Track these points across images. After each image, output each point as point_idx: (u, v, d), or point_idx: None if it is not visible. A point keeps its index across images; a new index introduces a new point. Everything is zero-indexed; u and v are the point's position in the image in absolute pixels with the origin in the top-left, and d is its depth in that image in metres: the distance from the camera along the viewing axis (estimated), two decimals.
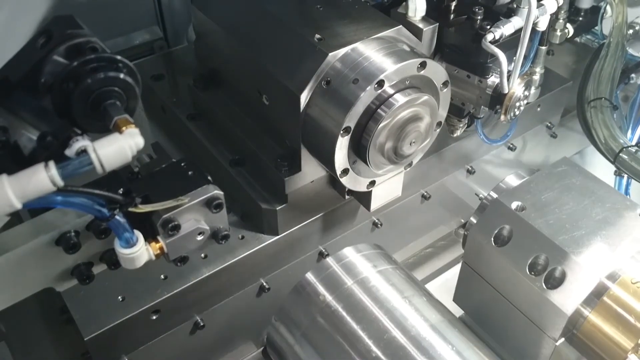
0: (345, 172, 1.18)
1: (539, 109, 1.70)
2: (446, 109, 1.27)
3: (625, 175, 1.50)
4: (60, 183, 0.70)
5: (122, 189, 0.84)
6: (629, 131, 1.62)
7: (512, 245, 1.03)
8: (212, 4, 1.39)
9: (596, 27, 1.79)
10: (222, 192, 0.93)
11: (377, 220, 1.52)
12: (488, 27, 1.26)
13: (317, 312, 1.01)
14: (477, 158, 1.67)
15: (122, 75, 0.82)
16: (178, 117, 1.48)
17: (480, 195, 1.34)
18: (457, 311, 1.18)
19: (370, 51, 1.14)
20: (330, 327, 0.98)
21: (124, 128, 0.77)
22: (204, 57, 1.47)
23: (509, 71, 1.27)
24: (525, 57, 1.37)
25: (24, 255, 0.84)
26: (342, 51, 1.14)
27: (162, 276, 1.22)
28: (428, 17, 1.30)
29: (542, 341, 1.01)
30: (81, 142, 0.74)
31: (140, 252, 0.85)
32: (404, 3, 1.28)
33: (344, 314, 0.99)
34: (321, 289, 1.03)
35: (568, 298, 0.95)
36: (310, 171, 1.26)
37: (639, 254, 0.99)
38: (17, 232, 0.86)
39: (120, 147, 0.74)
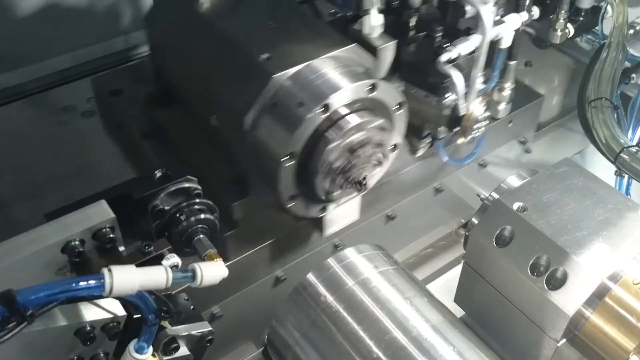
0: (292, 198, 1.14)
1: (510, 125, 1.65)
2: (402, 131, 1.23)
3: (626, 176, 1.50)
4: (168, 285, 0.81)
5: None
6: (630, 131, 1.62)
7: (514, 246, 1.02)
8: (163, 19, 1.35)
9: (597, 27, 1.79)
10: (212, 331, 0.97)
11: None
12: (446, 45, 1.21)
13: (318, 312, 1.01)
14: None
15: (213, 217, 1.03)
16: (132, 135, 1.42)
17: (482, 196, 1.34)
18: (458, 312, 1.18)
19: (318, 72, 1.09)
20: (331, 328, 0.98)
21: (215, 260, 0.96)
22: (158, 72, 1.41)
23: (467, 92, 1.22)
24: (487, 78, 1.34)
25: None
26: (288, 72, 1.09)
27: None
28: (387, 33, 1.24)
29: (543, 342, 1.01)
30: (175, 259, 0.93)
31: None
32: (359, 19, 1.23)
33: (345, 314, 0.98)
34: (322, 289, 1.03)
35: (569, 299, 0.95)
36: (261, 195, 1.20)
37: None
38: None
39: (216, 274, 0.89)
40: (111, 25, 1.80)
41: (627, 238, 0.99)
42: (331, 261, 1.06)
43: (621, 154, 1.44)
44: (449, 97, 1.24)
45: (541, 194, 1.07)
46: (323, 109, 1.05)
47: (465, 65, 1.26)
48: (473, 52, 1.24)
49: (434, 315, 0.98)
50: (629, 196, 1.52)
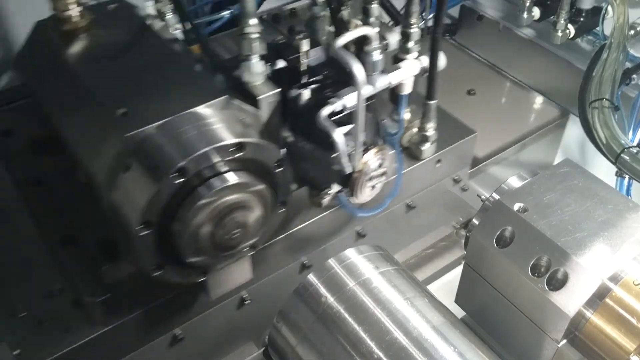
0: (159, 267, 1.01)
1: (438, 165, 1.51)
2: (288, 188, 1.13)
3: (627, 176, 1.50)
4: None
5: None
6: (630, 132, 1.62)
7: (514, 246, 1.02)
8: (31, 63, 1.26)
9: (597, 28, 1.79)
10: None
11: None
12: (329, 97, 1.10)
13: (319, 313, 1.01)
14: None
15: None
16: (17, 180, 1.31)
17: (482, 197, 1.33)
18: (459, 313, 1.18)
19: (179, 130, 0.98)
20: (332, 329, 0.98)
21: None
22: (39, 117, 1.28)
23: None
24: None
25: None
26: (144, 130, 0.98)
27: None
28: (278, 79, 1.14)
29: (544, 343, 1.01)
30: None
31: None
32: (240, 65, 1.12)
33: (346, 315, 0.98)
34: (323, 290, 1.02)
35: (570, 299, 0.95)
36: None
37: None
38: None
39: None
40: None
41: (628, 239, 0.99)
42: (332, 262, 1.05)
43: (622, 155, 1.44)
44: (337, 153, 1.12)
45: (542, 195, 1.07)
46: (177, 173, 0.93)
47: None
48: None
49: (435, 316, 0.98)
50: (629, 197, 1.53)
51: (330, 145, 1.11)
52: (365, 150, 1.15)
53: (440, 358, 0.91)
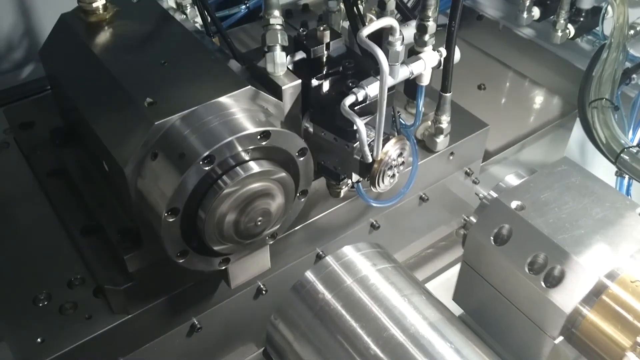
0: (184, 254, 1.04)
1: (451, 157, 1.54)
2: (309, 177, 1.14)
3: (627, 176, 1.50)
4: None
5: None
6: (630, 132, 1.62)
7: (512, 244, 1.03)
8: (56, 54, 1.28)
9: (597, 28, 1.80)
10: None
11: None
12: (352, 87, 1.11)
13: (316, 310, 1.01)
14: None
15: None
16: (38, 171, 1.34)
17: (480, 195, 1.33)
18: (457, 310, 1.18)
19: (204, 119, 1.00)
20: (330, 325, 0.98)
21: None
22: (59, 109, 1.33)
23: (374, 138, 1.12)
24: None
25: None
26: (171, 119, 1.00)
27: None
28: (299, 70, 1.16)
29: (541, 340, 1.01)
30: None
31: None
32: (264, 57, 1.15)
33: (343, 312, 0.99)
34: (320, 287, 1.03)
35: (567, 297, 0.96)
36: (156, 247, 1.06)
37: (638, 253, 0.99)
38: None
39: None
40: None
41: (625, 237, 1.00)
42: (329, 259, 1.06)
43: (622, 155, 1.44)
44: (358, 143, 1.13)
45: (539, 193, 1.07)
46: (205, 161, 0.96)
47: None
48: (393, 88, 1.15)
49: (432, 312, 0.98)
50: (629, 196, 1.53)
51: (352, 135, 1.13)
52: (385, 140, 1.16)
53: (437, 354, 0.91)
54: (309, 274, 1.04)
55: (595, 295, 0.96)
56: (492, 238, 1.04)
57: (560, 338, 1.00)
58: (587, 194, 1.06)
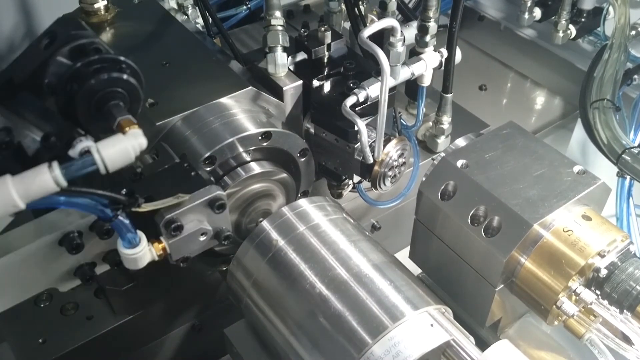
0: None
1: None
2: (310, 178, 1.16)
3: (628, 177, 1.50)
4: (64, 184, 0.69)
5: (125, 190, 0.84)
6: (631, 132, 1.62)
7: (456, 199, 1.06)
8: None
9: (599, 29, 1.80)
10: (224, 193, 0.92)
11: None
12: (353, 87, 1.11)
13: (269, 256, 1.02)
14: None
15: (125, 76, 0.81)
16: None
17: (434, 157, 1.33)
18: (416, 270, 1.18)
19: (205, 120, 1.01)
20: (281, 269, 1.00)
21: (127, 129, 0.77)
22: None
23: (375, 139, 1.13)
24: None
25: (27, 256, 0.84)
26: (172, 120, 1.01)
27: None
28: (300, 71, 1.17)
29: (484, 288, 1.04)
30: (84, 143, 0.73)
31: (143, 252, 0.86)
32: (265, 58, 1.16)
33: (294, 255, 1.00)
34: (275, 234, 1.03)
35: (504, 244, 0.99)
36: None
37: (573, 205, 1.02)
38: (21, 232, 0.86)
39: (123, 147, 0.73)
40: None
41: (561, 191, 1.03)
42: (285, 210, 1.06)
43: (623, 155, 1.44)
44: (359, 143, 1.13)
45: (484, 152, 1.10)
46: (207, 162, 0.97)
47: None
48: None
49: (376, 255, 1.01)
50: (631, 198, 1.53)
51: (354, 136, 1.13)
52: (387, 141, 1.16)
53: (377, 290, 0.94)
54: (265, 223, 1.04)
55: (532, 245, 0.99)
56: (439, 195, 1.08)
57: (501, 286, 1.03)
58: (529, 154, 1.09)
